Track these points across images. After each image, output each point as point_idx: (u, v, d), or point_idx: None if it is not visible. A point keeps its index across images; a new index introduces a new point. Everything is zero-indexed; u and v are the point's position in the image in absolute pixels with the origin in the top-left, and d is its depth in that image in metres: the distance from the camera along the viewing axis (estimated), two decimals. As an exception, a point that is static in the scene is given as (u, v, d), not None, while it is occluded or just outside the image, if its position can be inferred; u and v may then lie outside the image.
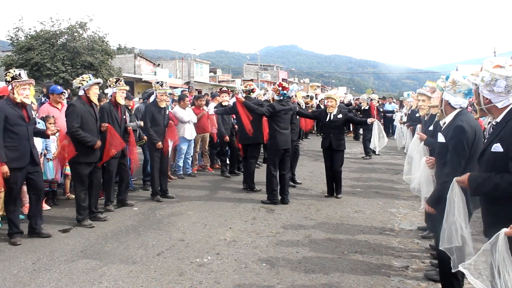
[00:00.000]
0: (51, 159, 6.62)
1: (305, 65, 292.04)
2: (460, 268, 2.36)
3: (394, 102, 21.07)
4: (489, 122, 2.77)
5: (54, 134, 5.63)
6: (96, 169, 6.11)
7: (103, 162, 6.24)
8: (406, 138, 9.87)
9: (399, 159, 12.39)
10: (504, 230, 2.16)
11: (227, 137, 9.46)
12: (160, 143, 7.26)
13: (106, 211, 6.54)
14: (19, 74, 5.03)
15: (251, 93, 8.44)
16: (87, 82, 5.85)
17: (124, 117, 6.85)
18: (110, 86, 6.72)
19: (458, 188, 2.83)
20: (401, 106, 17.86)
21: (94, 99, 5.88)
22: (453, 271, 2.94)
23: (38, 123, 6.24)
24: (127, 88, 6.89)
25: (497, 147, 2.53)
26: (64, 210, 6.53)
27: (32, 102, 5.59)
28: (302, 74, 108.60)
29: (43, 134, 5.63)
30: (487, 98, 2.65)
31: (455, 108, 3.45)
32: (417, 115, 9.12)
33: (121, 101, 6.63)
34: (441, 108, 3.60)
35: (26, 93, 5.04)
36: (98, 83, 5.96)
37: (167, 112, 7.55)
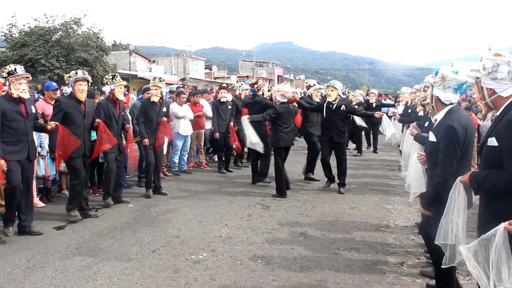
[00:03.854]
0: (45, 156, 6.58)
1: (300, 61, 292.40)
2: (460, 248, 2.35)
3: (389, 98, 21.07)
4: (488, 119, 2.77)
5: (54, 128, 5.57)
6: (84, 166, 6.06)
7: (93, 158, 6.20)
8: (397, 134, 9.86)
9: (394, 156, 12.42)
10: (503, 224, 2.16)
11: (217, 134, 9.47)
12: (146, 140, 7.24)
13: (105, 204, 6.57)
14: (15, 69, 5.02)
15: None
16: (72, 78, 5.83)
17: (123, 113, 6.82)
18: (107, 83, 6.70)
19: (461, 188, 2.82)
20: (397, 101, 17.84)
21: (79, 95, 5.80)
22: (442, 267, 2.96)
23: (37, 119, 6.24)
24: (125, 83, 6.88)
25: (492, 141, 2.52)
26: (58, 207, 6.49)
27: None
28: (298, 71, 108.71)
29: (45, 129, 5.63)
30: (491, 89, 2.62)
31: (446, 104, 3.41)
32: (410, 111, 9.15)
33: (120, 96, 6.61)
34: (432, 104, 3.58)
35: (23, 88, 5.01)
36: (84, 79, 5.85)
37: (163, 109, 7.51)
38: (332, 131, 7.83)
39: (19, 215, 5.29)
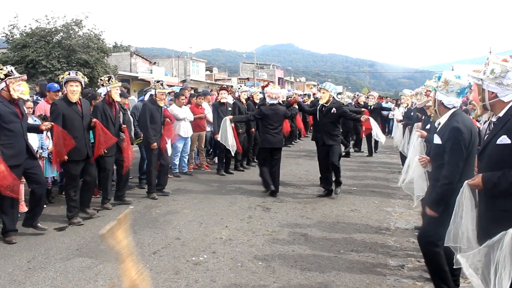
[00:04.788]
0: (46, 157, 6.59)
1: (301, 63, 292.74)
2: (458, 257, 2.36)
3: (390, 101, 21.12)
4: (485, 121, 2.79)
5: (48, 129, 5.55)
6: (89, 167, 6.07)
7: (95, 158, 6.21)
8: (398, 136, 9.82)
9: (395, 158, 12.41)
10: None
11: (218, 135, 9.46)
12: (155, 144, 7.26)
13: (103, 209, 6.54)
14: (11, 71, 5.00)
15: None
16: (64, 78, 5.83)
17: (119, 115, 6.83)
18: (103, 85, 6.71)
19: (469, 192, 2.83)
20: (398, 104, 17.86)
21: (70, 96, 5.75)
22: (454, 267, 2.97)
23: (35, 121, 6.24)
24: (120, 84, 6.88)
25: (504, 139, 2.54)
26: (59, 208, 6.50)
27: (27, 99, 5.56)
28: (298, 73, 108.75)
29: (37, 129, 5.57)
30: (493, 92, 2.65)
31: (449, 108, 3.45)
32: (412, 113, 9.14)
33: (117, 97, 6.61)
34: (434, 108, 3.61)
35: (22, 89, 5.00)
36: (75, 80, 5.78)
37: (163, 110, 7.57)
38: (323, 134, 7.65)
39: (29, 212, 5.33)
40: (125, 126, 6.94)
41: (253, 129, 9.85)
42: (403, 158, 7.91)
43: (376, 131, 7.47)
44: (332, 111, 7.54)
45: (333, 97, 7.75)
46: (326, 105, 7.60)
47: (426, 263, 3.75)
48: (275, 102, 7.75)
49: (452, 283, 3.56)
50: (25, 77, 5.17)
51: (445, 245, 2.97)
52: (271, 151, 7.76)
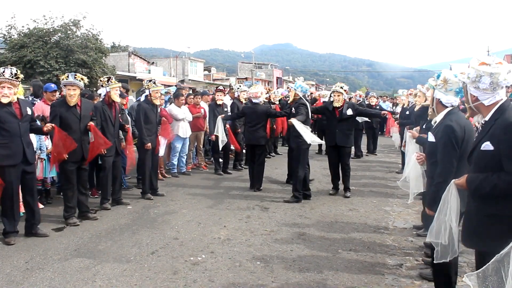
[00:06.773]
0: (44, 159, 6.57)
1: (299, 63, 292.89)
2: (466, 279, 2.32)
3: (388, 100, 21.10)
4: (479, 122, 2.79)
5: (50, 130, 5.53)
6: (82, 169, 6.05)
7: (89, 161, 6.19)
8: (396, 136, 9.83)
9: (393, 158, 12.43)
10: None
11: (214, 136, 9.42)
12: (149, 144, 7.24)
13: (102, 209, 6.53)
14: (3, 72, 4.86)
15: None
16: (63, 80, 5.83)
17: (119, 115, 6.82)
18: (102, 85, 6.70)
19: (455, 190, 2.84)
20: (395, 104, 17.90)
21: (68, 99, 5.76)
22: (434, 262, 2.99)
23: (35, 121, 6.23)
24: (120, 85, 6.89)
25: (487, 146, 2.54)
26: (57, 209, 6.49)
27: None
28: (297, 73, 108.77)
29: (41, 131, 5.59)
30: (474, 96, 2.68)
31: (446, 107, 3.47)
32: (407, 113, 9.16)
33: (116, 98, 6.61)
34: (432, 106, 3.61)
35: (4, 92, 4.83)
36: (73, 84, 5.75)
37: (159, 110, 7.56)
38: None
39: (26, 217, 5.31)
40: (128, 126, 6.94)
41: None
42: (404, 157, 7.95)
43: (303, 134, 6.76)
44: (292, 111, 7.30)
45: (300, 96, 7.25)
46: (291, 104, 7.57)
47: (431, 263, 3.74)
48: (257, 101, 8.12)
49: None
50: (11, 81, 4.87)
51: (427, 240, 3.02)
52: (252, 148, 8.13)
